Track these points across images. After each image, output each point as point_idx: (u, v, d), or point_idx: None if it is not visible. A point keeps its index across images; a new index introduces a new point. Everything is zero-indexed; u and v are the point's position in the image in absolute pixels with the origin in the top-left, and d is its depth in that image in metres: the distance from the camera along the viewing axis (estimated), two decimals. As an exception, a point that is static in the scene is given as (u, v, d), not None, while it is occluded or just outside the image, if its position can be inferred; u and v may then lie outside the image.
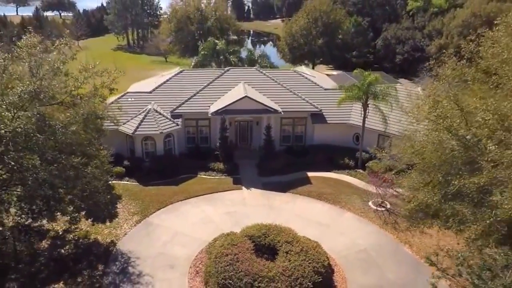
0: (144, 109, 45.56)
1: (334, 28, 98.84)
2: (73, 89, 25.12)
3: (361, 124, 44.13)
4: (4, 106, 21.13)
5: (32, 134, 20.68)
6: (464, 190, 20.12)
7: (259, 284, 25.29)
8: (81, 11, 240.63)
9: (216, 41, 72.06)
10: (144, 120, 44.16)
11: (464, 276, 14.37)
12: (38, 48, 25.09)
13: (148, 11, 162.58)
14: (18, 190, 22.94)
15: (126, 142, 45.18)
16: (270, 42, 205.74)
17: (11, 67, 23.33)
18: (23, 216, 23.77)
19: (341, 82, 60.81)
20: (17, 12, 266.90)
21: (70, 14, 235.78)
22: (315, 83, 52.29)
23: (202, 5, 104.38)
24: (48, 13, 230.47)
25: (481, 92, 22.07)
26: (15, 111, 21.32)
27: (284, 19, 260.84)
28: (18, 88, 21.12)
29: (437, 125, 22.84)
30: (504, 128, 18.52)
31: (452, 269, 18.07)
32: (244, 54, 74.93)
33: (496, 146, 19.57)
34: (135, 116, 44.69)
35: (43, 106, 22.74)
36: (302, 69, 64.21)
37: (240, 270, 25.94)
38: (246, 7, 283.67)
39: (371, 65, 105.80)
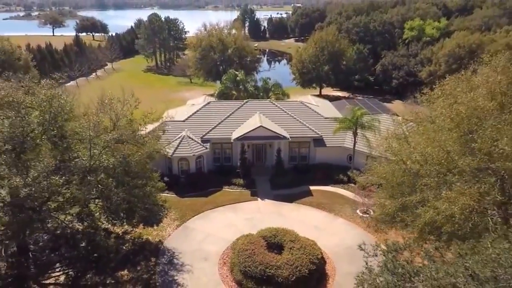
0: (180, 135, 53.93)
1: (339, 55, 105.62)
2: (139, 134, 33.52)
3: (352, 147, 52.13)
4: (92, 145, 29.51)
5: (117, 167, 29.13)
6: (407, 204, 28.25)
7: (270, 271, 33.38)
8: (110, 30, 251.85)
9: (236, 72, 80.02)
10: (180, 145, 52.53)
11: (378, 256, 22.10)
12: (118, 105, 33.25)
13: (174, 35, 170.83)
14: (101, 203, 31.23)
15: (165, 162, 53.27)
16: (284, 61, 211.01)
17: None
18: (104, 222, 32.19)
19: (340, 108, 69.14)
20: (53, 33, 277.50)
21: (102, 34, 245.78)
22: (317, 113, 60.33)
23: (223, 35, 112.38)
24: (82, 35, 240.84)
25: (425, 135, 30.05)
26: (101, 149, 29.71)
27: (297, 38, 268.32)
28: (106, 136, 29.47)
29: (393, 157, 31.08)
30: (428, 165, 26.57)
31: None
32: (259, 83, 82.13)
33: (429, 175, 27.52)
34: (173, 141, 52.87)
35: (119, 144, 31.04)
36: (308, 98, 72.06)
37: (256, 261, 34.05)
38: (262, 27, 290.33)
39: (372, 86, 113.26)
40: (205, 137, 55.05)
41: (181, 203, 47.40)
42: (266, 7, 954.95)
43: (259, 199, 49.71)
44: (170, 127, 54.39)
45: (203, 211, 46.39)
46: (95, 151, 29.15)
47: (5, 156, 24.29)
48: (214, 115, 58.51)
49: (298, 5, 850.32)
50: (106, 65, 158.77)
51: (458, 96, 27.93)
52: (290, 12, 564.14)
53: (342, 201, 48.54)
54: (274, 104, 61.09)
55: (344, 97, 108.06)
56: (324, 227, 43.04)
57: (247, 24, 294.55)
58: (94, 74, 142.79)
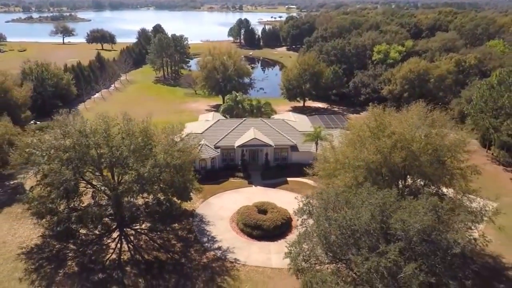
0: (200, 143, 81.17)
1: (318, 75, 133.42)
2: (187, 146, 60.96)
3: (315, 151, 79.80)
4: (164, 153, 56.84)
5: (180, 166, 56.52)
6: (329, 183, 55.99)
7: (259, 222, 60.94)
8: (112, 32, 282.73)
9: (236, 94, 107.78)
10: (201, 150, 79.94)
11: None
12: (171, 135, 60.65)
13: (180, 50, 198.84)
14: (166, 185, 58.39)
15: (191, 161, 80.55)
16: (277, 69, 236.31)
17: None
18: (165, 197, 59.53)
19: (314, 121, 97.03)
20: (63, 41, 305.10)
21: (111, 44, 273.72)
22: (294, 127, 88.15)
23: (224, 58, 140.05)
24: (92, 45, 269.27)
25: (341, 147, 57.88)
26: (168, 155, 57.02)
27: (288, 47, 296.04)
28: (173, 148, 57.07)
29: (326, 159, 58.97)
30: (338, 163, 54.33)
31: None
32: (254, 94, 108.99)
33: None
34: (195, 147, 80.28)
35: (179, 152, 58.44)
36: (289, 114, 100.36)
37: (251, 218, 61.80)
38: (257, 36, 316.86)
39: (347, 98, 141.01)
40: (217, 144, 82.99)
41: (203, 188, 74.03)
42: (260, 8, 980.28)
43: (253, 186, 77.54)
44: (193, 137, 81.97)
45: (217, 193, 74.16)
46: (166, 156, 56.49)
47: (132, 159, 52.08)
48: (223, 129, 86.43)
49: (293, 6, 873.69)
50: (121, 76, 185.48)
51: (355, 127, 56.19)
52: (284, 14, 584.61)
53: (307, 186, 75.66)
54: (264, 121, 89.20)
55: (323, 109, 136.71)
56: (293, 202, 68.78)
57: (242, 32, 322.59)
58: (113, 86, 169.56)
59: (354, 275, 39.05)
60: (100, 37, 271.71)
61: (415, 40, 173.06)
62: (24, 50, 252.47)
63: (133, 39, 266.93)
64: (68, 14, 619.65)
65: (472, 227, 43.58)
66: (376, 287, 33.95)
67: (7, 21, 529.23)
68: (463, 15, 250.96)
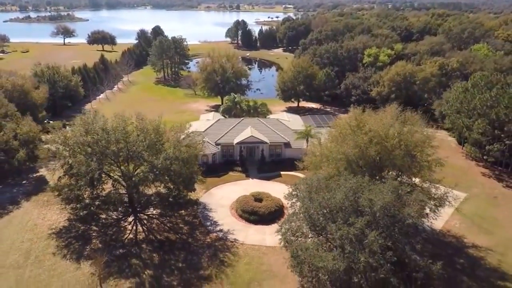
0: (203, 140, 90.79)
1: (312, 77, 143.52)
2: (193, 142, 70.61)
3: (306, 148, 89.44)
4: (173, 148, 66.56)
5: (187, 159, 66.20)
6: (316, 174, 65.77)
7: (255, 209, 70.77)
8: (112, 33, 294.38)
9: (235, 95, 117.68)
10: (203, 146, 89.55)
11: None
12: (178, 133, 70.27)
13: (180, 52, 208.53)
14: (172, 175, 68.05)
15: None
16: (273, 69, 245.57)
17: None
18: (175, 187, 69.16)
19: (306, 120, 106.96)
20: (64, 42, 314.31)
21: (111, 46, 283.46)
22: (287, 126, 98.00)
23: (223, 60, 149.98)
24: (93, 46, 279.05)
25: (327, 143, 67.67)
26: (176, 149, 66.69)
27: (284, 48, 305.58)
28: (181, 143, 66.71)
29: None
30: (323, 156, 64.15)
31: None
32: (252, 94, 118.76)
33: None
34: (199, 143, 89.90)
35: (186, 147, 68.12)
36: (283, 115, 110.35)
37: (248, 205, 71.65)
38: (254, 37, 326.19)
39: (339, 99, 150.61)
40: (217, 141, 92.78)
41: (205, 180, 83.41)
42: (257, 7, 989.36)
43: (250, 178, 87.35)
44: (196, 135, 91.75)
45: (218, 185, 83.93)
46: (175, 150, 66.11)
47: (147, 153, 61.85)
48: (222, 128, 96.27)
49: (290, 6, 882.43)
50: (123, 77, 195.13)
51: (339, 125, 66.05)
52: (281, 14, 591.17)
53: (298, 179, 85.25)
54: (260, 121, 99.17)
55: (316, 109, 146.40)
56: (286, 192, 79.83)
57: (239, 33, 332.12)
58: (116, 87, 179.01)
59: (330, 244, 49.08)
60: (101, 38, 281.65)
61: (405, 43, 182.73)
62: (27, 51, 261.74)
63: (132, 40, 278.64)
64: (65, 13, 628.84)
65: (427, 204, 53.68)
66: (346, 249, 43.84)
67: (5, 21, 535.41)
68: (454, 17, 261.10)
